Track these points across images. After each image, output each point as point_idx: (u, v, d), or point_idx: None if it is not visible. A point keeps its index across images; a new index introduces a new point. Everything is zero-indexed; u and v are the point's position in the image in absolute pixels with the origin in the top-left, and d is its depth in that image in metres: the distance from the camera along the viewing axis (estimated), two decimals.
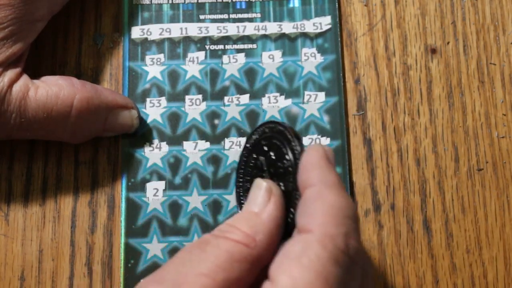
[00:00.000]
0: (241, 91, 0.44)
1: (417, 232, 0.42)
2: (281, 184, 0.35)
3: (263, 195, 0.34)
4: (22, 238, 0.42)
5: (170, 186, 0.42)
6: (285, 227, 0.34)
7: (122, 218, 0.42)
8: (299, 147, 0.34)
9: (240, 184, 0.38)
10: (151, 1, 0.45)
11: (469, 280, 0.42)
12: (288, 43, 0.45)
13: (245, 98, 0.44)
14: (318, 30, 0.45)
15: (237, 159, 0.43)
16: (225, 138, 0.43)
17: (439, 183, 0.43)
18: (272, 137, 0.36)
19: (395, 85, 0.44)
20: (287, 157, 0.35)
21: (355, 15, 0.46)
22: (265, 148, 0.37)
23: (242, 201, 0.38)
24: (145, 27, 0.45)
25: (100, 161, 0.43)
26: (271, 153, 0.36)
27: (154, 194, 0.42)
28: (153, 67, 0.44)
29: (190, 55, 0.44)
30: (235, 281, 0.30)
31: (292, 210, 0.34)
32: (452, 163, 0.43)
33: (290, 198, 0.34)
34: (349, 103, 0.44)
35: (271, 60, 0.44)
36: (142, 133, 0.43)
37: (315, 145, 0.34)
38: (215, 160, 0.43)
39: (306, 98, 0.44)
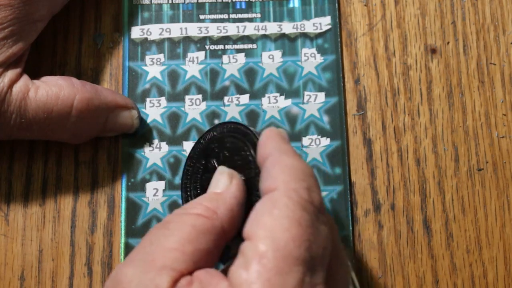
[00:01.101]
0: (241, 91, 0.44)
1: (417, 232, 0.42)
2: (241, 175, 0.36)
3: (225, 178, 0.35)
4: (22, 238, 0.42)
5: (170, 186, 0.42)
6: (250, 210, 0.34)
7: (122, 218, 0.42)
8: (256, 135, 0.36)
9: (188, 193, 0.38)
10: (151, 1, 0.45)
11: (469, 280, 0.42)
12: (288, 43, 0.45)
13: (245, 98, 0.44)
14: (318, 30, 0.45)
15: None
16: None
17: (439, 183, 0.43)
18: (223, 137, 0.37)
19: (395, 85, 0.44)
20: (245, 148, 0.36)
21: (355, 15, 0.46)
22: (216, 150, 0.38)
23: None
24: (145, 27, 0.45)
25: (100, 161, 0.43)
26: (224, 152, 0.37)
27: (154, 194, 0.42)
28: (153, 67, 0.44)
29: (190, 55, 0.45)
30: (203, 252, 0.31)
31: (257, 193, 0.35)
32: (452, 163, 0.43)
33: (254, 183, 0.35)
34: (349, 103, 0.44)
35: (271, 60, 0.44)
36: (142, 133, 0.43)
37: (269, 128, 0.36)
38: None
39: (306, 98, 0.44)
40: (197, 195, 0.38)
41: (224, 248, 0.33)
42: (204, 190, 0.37)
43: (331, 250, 0.32)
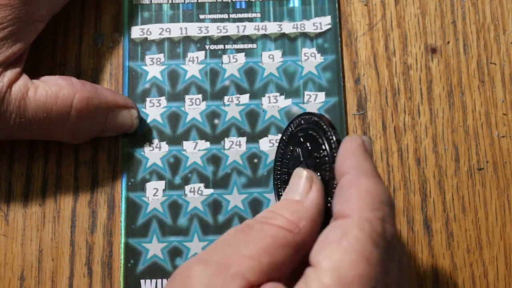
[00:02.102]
0: (241, 91, 0.44)
1: (417, 232, 0.42)
2: (318, 174, 0.35)
3: (304, 183, 0.34)
4: (22, 238, 0.42)
5: (170, 186, 0.42)
6: (324, 216, 0.34)
7: (122, 218, 0.42)
8: (334, 137, 0.35)
9: (278, 176, 0.39)
10: (151, 1, 0.45)
11: (470, 280, 0.41)
12: (288, 43, 0.45)
13: (245, 98, 0.44)
14: (318, 30, 0.45)
15: (237, 158, 0.43)
16: (225, 138, 0.43)
17: (439, 183, 0.43)
18: (308, 128, 0.37)
19: (395, 84, 0.44)
20: (323, 147, 0.35)
21: (355, 15, 0.46)
22: (302, 139, 0.37)
23: (280, 194, 0.38)
24: (145, 27, 0.45)
25: (100, 161, 0.43)
26: (308, 144, 0.36)
27: (154, 194, 0.42)
28: (153, 67, 0.44)
29: (190, 55, 0.44)
30: (279, 266, 0.31)
31: (330, 199, 0.34)
32: (452, 163, 0.43)
33: (327, 187, 0.34)
34: (349, 103, 0.44)
35: (271, 60, 0.44)
36: (142, 133, 0.43)
37: (353, 135, 0.34)
38: (215, 160, 0.43)
39: (306, 98, 0.44)
40: (285, 181, 0.38)
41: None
42: (291, 177, 0.37)
43: (398, 283, 0.31)
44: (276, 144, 0.43)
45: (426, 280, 0.41)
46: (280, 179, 0.38)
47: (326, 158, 0.35)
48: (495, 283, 0.41)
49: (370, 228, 0.30)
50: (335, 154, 0.34)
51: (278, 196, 0.38)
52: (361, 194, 0.31)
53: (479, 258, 0.42)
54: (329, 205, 0.34)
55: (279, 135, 0.43)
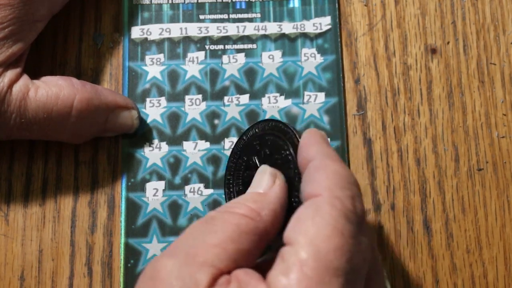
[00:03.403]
0: (241, 91, 0.44)
1: (417, 232, 0.42)
2: (281, 173, 0.36)
3: (267, 178, 0.35)
4: (22, 238, 0.42)
5: (170, 186, 0.42)
6: (290, 211, 0.34)
7: (122, 218, 0.42)
8: (297, 135, 0.35)
9: (231, 190, 0.39)
10: (151, 1, 0.45)
11: (469, 280, 0.42)
12: (288, 43, 0.45)
13: (245, 98, 0.44)
14: (318, 31, 0.45)
15: None
16: (225, 138, 0.43)
17: (439, 183, 0.43)
18: (264, 134, 0.37)
19: (395, 85, 0.44)
20: (285, 147, 0.36)
21: (355, 15, 0.46)
22: (258, 147, 0.37)
23: None
24: (145, 27, 0.45)
25: (100, 161, 0.43)
26: (266, 150, 0.37)
27: (154, 194, 0.42)
28: (153, 67, 0.44)
29: (190, 55, 0.45)
30: (245, 252, 0.31)
31: (296, 193, 0.35)
32: (452, 163, 0.43)
33: (293, 183, 0.35)
34: (349, 103, 0.44)
35: (271, 60, 0.44)
36: (142, 133, 0.43)
37: (310, 129, 0.35)
38: (215, 160, 0.43)
39: (306, 98, 0.44)
40: (239, 191, 0.38)
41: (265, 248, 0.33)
42: (246, 186, 0.37)
43: (370, 260, 0.32)
44: None
45: (426, 280, 0.41)
46: (233, 192, 0.39)
47: (289, 157, 0.36)
48: (494, 284, 0.41)
49: (341, 204, 0.31)
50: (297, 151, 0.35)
51: None
52: (329, 175, 0.32)
53: (479, 258, 0.42)
54: (296, 199, 0.34)
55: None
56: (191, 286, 0.29)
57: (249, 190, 0.35)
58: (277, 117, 0.43)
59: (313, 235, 0.30)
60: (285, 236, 0.31)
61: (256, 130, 0.38)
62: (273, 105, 0.44)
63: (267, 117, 0.43)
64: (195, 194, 0.42)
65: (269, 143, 0.37)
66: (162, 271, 0.30)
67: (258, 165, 0.37)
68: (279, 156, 0.36)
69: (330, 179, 0.32)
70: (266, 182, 0.35)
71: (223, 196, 0.40)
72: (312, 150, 0.34)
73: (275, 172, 0.35)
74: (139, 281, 0.31)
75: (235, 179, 0.39)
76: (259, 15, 0.45)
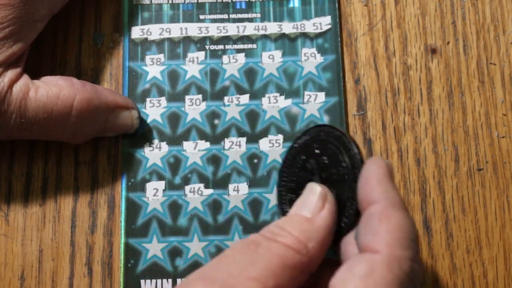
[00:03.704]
0: (241, 91, 0.44)
1: (417, 232, 0.42)
2: (333, 190, 0.34)
3: (317, 200, 0.33)
4: (22, 238, 0.42)
5: (170, 186, 0.42)
6: (335, 235, 0.33)
7: (122, 218, 0.42)
8: (358, 156, 0.34)
9: (283, 183, 0.38)
10: (151, 1, 0.45)
11: (469, 280, 0.42)
12: (288, 43, 0.45)
13: (245, 98, 0.44)
14: (318, 30, 0.45)
15: (237, 159, 0.43)
16: (225, 138, 0.43)
17: (439, 183, 0.43)
18: (327, 141, 0.36)
19: (395, 85, 0.44)
20: (343, 164, 0.34)
21: (355, 15, 0.46)
22: (317, 151, 0.36)
23: (284, 201, 0.37)
24: (145, 27, 0.45)
25: (100, 161, 0.43)
26: (324, 158, 0.35)
27: (154, 194, 0.42)
28: (153, 67, 0.44)
29: (190, 55, 0.45)
30: (283, 287, 0.30)
31: (345, 219, 0.33)
32: (452, 163, 0.43)
33: (343, 206, 0.33)
34: (349, 103, 0.44)
35: (271, 60, 0.44)
36: (142, 133, 0.43)
37: (377, 158, 0.33)
38: (215, 160, 0.43)
39: (306, 98, 0.44)
40: (291, 189, 0.37)
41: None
42: (298, 186, 0.36)
43: None
44: (276, 145, 0.43)
45: (425, 280, 0.41)
46: (286, 186, 0.37)
47: (346, 176, 0.34)
48: (494, 284, 0.41)
49: (399, 268, 0.29)
50: (357, 174, 0.33)
51: (281, 204, 0.37)
52: (392, 229, 0.30)
53: (479, 258, 0.42)
54: (342, 224, 0.33)
55: (279, 135, 0.43)
56: None
57: (295, 208, 0.34)
58: (277, 117, 0.43)
59: None
60: (331, 285, 0.30)
61: (321, 133, 0.36)
62: (273, 105, 0.44)
63: (267, 117, 0.43)
64: (195, 194, 0.42)
65: (330, 152, 0.35)
66: None
67: (315, 171, 0.35)
68: (336, 171, 0.34)
69: (392, 234, 0.30)
70: (314, 204, 0.33)
71: (276, 187, 0.38)
72: (375, 190, 0.32)
73: (325, 193, 0.34)
74: None
75: (289, 175, 0.37)
76: (259, 15, 0.45)
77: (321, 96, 0.44)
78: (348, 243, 0.33)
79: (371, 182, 0.32)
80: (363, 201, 0.32)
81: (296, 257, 0.31)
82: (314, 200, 0.33)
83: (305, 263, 0.31)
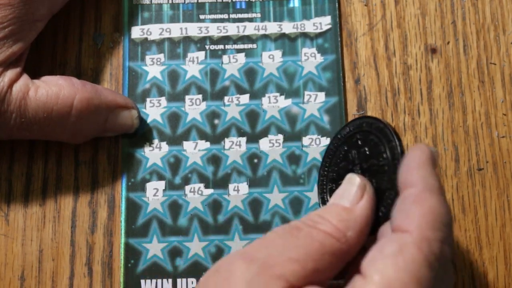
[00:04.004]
0: (241, 91, 0.44)
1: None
2: (373, 181, 0.35)
3: (356, 191, 0.34)
4: (22, 238, 0.42)
5: (170, 186, 0.42)
6: (373, 224, 0.34)
7: (122, 218, 0.42)
8: (399, 148, 0.34)
9: (325, 173, 0.38)
10: (151, 1, 0.45)
11: (469, 280, 0.42)
12: (288, 43, 0.45)
13: (245, 98, 0.44)
14: (318, 30, 0.45)
15: (237, 159, 0.43)
16: (225, 138, 0.43)
17: None
18: (369, 132, 0.36)
19: (395, 85, 0.44)
20: (384, 155, 0.35)
21: (355, 15, 0.46)
22: (359, 142, 0.37)
23: (325, 190, 0.38)
24: (145, 27, 0.45)
25: (100, 161, 0.43)
26: (366, 148, 0.36)
27: (154, 194, 0.42)
28: (153, 67, 0.44)
29: (190, 55, 0.45)
30: (321, 272, 0.31)
31: (383, 209, 0.34)
32: (452, 163, 0.43)
33: (382, 196, 0.34)
34: (349, 103, 0.44)
35: (271, 60, 0.44)
36: (142, 133, 0.43)
37: (421, 144, 0.34)
38: (215, 160, 0.43)
39: (306, 98, 0.44)
40: (332, 179, 0.38)
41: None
42: (339, 177, 0.36)
43: None
44: (276, 144, 0.43)
45: None
46: (327, 176, 0.38)
47: (386, 167, 0.34)
48: (494, 283, 0.41)
49: (428, 249, 0.30)
50: (397, 165, 0.34)
51: (322, 193, 0.38)
52: (424, 211, 0.31)
53: (479, 258, 0.42)
54: (380, 214, 0.34)
55: (279, 135, 0.43)
56: None
57: (335, 198, 0.34)
58: (277, 117, 0.43)
59: (389, 277, 0.29)
60: (362, 264, 0.30)
61: (364, 124, 0.37)
62: (273, 105, 0.44)
63: (267, 117, 0.43)
64: (195, 194, 0.42)
65: (372, 143, 0.36)
66: (235, 273, 0.30)
67: (356, 162, 0.36)
68: (376, 162, 0.35)
69: (424, 216, 0.30)
70: (353, 195, 0.34)
71: (319, 176, 0.39)
72: (415, 174, 0.32)
73: (364, 184, 0.34)
74: (210, 275, 0.31)
75: (331, 165, 0.38)
76: (259, 15, 0.45)
77: (321, 96, 0.44)
78: (386, 232, 0.33)
79: (411, 166, 0.32)
80: (402, 184, 0.33)
81: (335, 245, 0.31)
82: (353, 191, 0.34)
83: (344, 251, 0.32)
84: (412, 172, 0.32)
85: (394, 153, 0.34)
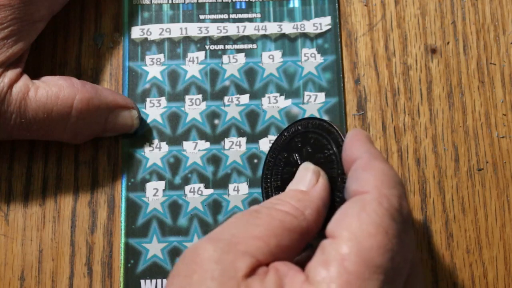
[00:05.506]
0: (241, 91, 0.44)
1: (417, 232, 0.42)
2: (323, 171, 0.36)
3: (310, 175, 0.35)
4: (22, 238, 0.42)
5: (170, 186, 0.42)
6: (331, 210, 0.35)
7: (122, 218, 0.42)
8: (342, 135, 0.36)
9: (268, 185, 0.39)
10: (151, 1, 0.45)
11: (469, 280, 0.42)
12: (288, 43, 0.45)
13: (245, 98, 0.44)
14: (318, 31, 0.45)
15: (237, 159, 0.43)
16: (225, 138, 0.43)
17: (439, 183, 0.43)
18: (307, 132, 0.37)
19: (395, 85, 0.44)
20: (328, 146, 0.36)
21: (355, 15, 0.46)
22: (299, 145, 0.38)
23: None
24: (145, 27, 0.45)
25: (100, 161, 0.43)
26: (308, 148, 0.37)
27: (154, 194, 0.42)
28: (153, 67, 0.44)
29: (190, 55, 0.45)
30: (285, 249, 0.32)
31: (338, 193, 0.35)
32: (452, 163, 0.43)
33: (335, 183, 0.35)
34: (349, 103, 0.44)
35: (271, 60, 0.44)
36: (142, 133, 0.43)
37: (355, 128, 0.36)
38: (215, 160, 0.43)
39: (306, 98, 0.44)
40: (277, 187, 0.38)
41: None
42: (284, 182, 0.37)
43: (411, 260, 0.32)
44: None
45: (425, 280, 0.41)
46: (271, 186, 0.39)
47: (333, 156, 0.36)
48: (494, 283, 0.41)
49: (388, 203, 0.31)
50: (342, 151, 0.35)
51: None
52: (377, 174, 0.32)
53: (479, 258, 0.42)
54: (337, 199, 0.35)
55: None
56: (230, 272, 0.30)
57: (291, 186, 0.36)
58: (277, 117, 0.43)
59: (357, 231, 0.30)
60: (328, 229, 0.31)
61: (299, 127, 0.38)
62: (273, 105, 0.44)
63: (267, 117, 0.43)
64: (195, 194, 0.42)
65: (312, 141, 0.37)
66: (203, 255, 0.30)
67: (299, 163, 0.37)
68: (322, 155, 0.36)
69: (378, 178, 0.32)
70: (309, 179, 0.35)
71: (263, 189, 0.39)
72: (358, 149, 0.34)
73: (318, 170, 0.36)
74: (179, 263, 0.31)
75: (273, 175, 0.39)
76: (259, 15, 0.45)
77: (321, 97, 0.44)
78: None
79: (353, 145, 0.34)
80: (348, 161, 0.34)
81: (294, 221, 0.32)
82: (308, 176, 0.35)
83: (304, 228, 0.33)
84: (355, 148, 0.34)
85: (338, 142, 0.36)
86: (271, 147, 0.39)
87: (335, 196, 0.35)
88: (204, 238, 0.32)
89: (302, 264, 0.31)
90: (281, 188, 0.38)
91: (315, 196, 0.34)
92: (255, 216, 0.33)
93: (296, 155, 0.38)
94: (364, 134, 0.35)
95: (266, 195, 0.39)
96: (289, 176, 0.37)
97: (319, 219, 0.34)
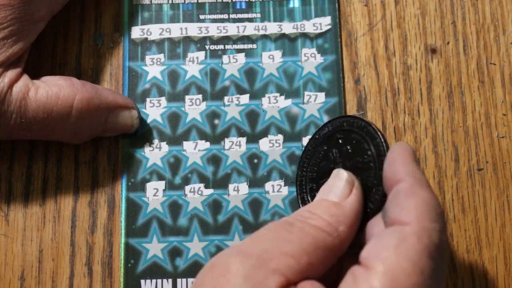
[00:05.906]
0: (241, 91, 0.44)
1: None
2: (359, 178, 0.35)
3: (344, 186, 0.34)
4: (22, 238, 0.42)
5: (170, 186, 0.42)
6: (362, 220, 0.34)
7: (122, 218, 0.42)
8: (384, 144, 0.35)
9: (303, 173, 0.38)
10: (151, 1, 0.45)
11: (469, 280, 0.42)
12: (288, 43, 0.45)
13: (245, 98, 0.44)
14: (318, 31, 0.45)
15: (237, 159, 0.43)
16: (225, 138, 0.43)
17: (439, 183, 0.43)
18: (351, 131, 0.37)
19: (395, 85, 0.44)
20: (369, 152, 0.35)
21: (355, 15, 0.46)
22: (340, 141, 0.37)
23: (304, 190, 0.38)
24: (145, 27, 0.45)
25: (100, 161, 0.43)
26: (348, 147, 0.36)
27: (154, 194, 0.42)
28: (153, 67, 0.44)
29: (190, 55, 0.45)
30: (316, 266, 0.31)
31: (370, 205, 0.34)
32: (452, 163, 0.43)
33: (369, 193, 0.34)
34: (349, 103, 0.44)
35: (271, 60, 0.44)
36: (142, 133, 0.43)
37: (401, 142, 0.34)
38: (215, 160, 0.43)
39: (306, 98, 0.44)
40: (312, 179, 0.38)
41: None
42: (319, 177, 0.37)
43: None
44: (276, 145, 0.43)
45: None
46: (306, 176, 0.38)
47: (372, 164, 0.35)
48: (494, 284, 0.41)
49: (428, 239, 0.30)
50: (383, 161, 0.34)
51: (301, 192, 0.38)
52: (420, 204, 0.31)
53: (479, 258, 0.42)
54: (368, 210, 0.34)
55: (279, 136, 0.43)
56: None
57: (323, 194, 0.35)
58: (277, 117, 0.43)
59: (392, 267, 0.29)
60: (362, 256, 0.31)
61: (345, 124, 0.37)
62: (273, 105, 0.44)
63: (267, 117, 0.43)
64: (195, 194, 0.42)
65: (354, 142, 0.36)
66: (232, 268, 0.30)
67: (338, 160, 0.36)
68: (361, 160, 0.35)
69: (420, 208, 0.31)
70: (342, 190, 0.34)
71: (297, 177, 0.39)
72: (402, 170, 0.32)
73: (352, 179, 0.35)
74: (205, 273, 0.31)
75: (310, 165, 0.38)
76: (259, 15, 0.45)
77: (321, 97, 0.44)
78: (373, 226, 0.34)
79: (397, 163, 0.33)
80: (389, 180, 0.33)
81: (328, 239, 0.32)
82: (341, 186, 0.34)
83: (336, 245, 0.32)
84: (399, 168, 0.33)
85: (380, 150, 0.35)
86: (313, 136, 0.38)
87: (367, 207, 0.34)
88: (234, 249, 0.31)
89: (328, 280, 0.31)
90: (315, 180, 0.37)
91: (348, 210, 0.33)
92: (287, 230, 0.32)
93: (336, 151, 0.37)
94: (409, 151, 0.33)
95: (300, 184, 0.38)
96: (325, 172, 0.37)
97: (352, 234, 0.33)
